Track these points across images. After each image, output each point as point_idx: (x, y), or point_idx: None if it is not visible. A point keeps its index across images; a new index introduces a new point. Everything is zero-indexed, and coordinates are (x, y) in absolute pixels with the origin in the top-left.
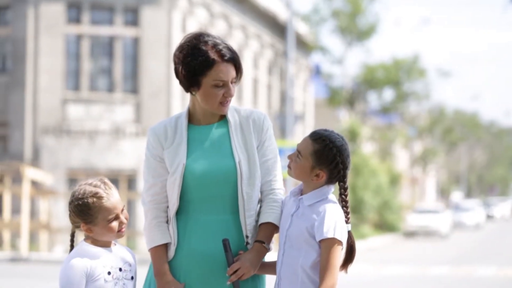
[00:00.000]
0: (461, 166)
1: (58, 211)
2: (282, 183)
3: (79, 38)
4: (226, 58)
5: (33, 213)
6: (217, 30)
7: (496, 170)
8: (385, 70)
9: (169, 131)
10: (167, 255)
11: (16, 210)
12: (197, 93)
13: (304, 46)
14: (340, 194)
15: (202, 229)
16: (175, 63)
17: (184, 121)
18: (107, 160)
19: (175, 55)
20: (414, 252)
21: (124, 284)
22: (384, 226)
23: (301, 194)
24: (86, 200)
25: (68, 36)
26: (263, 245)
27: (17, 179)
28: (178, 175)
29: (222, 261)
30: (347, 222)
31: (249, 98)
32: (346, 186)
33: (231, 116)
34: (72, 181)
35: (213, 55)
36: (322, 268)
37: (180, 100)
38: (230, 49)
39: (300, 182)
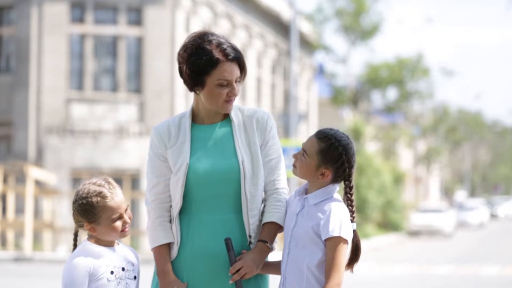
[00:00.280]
0: (465, 165)
1: (62, 211)
2: (286, 183)
3: (82, 37)
4: (230, 57)
5: (37, 213)
6: (220, 29)
7: (500, 169)
8: (389, 69)
9: (173, 130)
10: (170, 254)
11: (20, 209)
12: (201, 92)
13: (307, 45)
14: (345, 193)
15: (205, 228)
16: (179, 62)
17: (187, 120)
18: (111, 160)
19: (179, 54)
20: (418, 251)
21: (126, 283)
22: (388, 225)
23: (306, 193)
24: (90, 200)
25: (72, 35)
26: (266, 244)
27: (21, 178)
28: (182, 175)
29: (225, 261)
30: (352, 221)
31: (252, 98)
32: (351, 185)
33: (234, 115)
34: (76, 180)
35: (217, 54)
36: (327, 267)
37: (184, 99)
38: (234, 48)
39: (304, 181)
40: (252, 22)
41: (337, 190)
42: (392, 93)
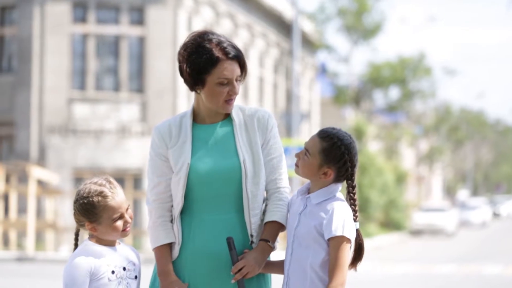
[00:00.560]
0: (467, 164)
1: (64, 211)
2: (288, 182)
3: (85, 37)
4: (230, 55)
5: (39, 213)
6: (222, 29)
7: (502, 168)
8: (391, 69)
9: (174, 130)
10: (171, 254)
11: (22, 209)
12: (202, 91)
13: (309, 44)
14: (348, 192)
15: (207, 228)
16: (180, 61)
17: (188, 120)
18: (113, 159)
19: (179, 53)
20: (420, 250)
21: (127, 283)
22: (390, 224)
23: (309, 193)
24: (91, 199)
25: (74, 35)
26: (268, 243)
27: (23, 178)
28: (183, 175)
29: (226, 260)
30: (355, 220)
31: (255, 97)
32: (354, 184)
33: (235, 114)
34: (78, 180)
35: (217, 52)
36: (331, 266)
37: (185, 99)
38: (234, 47)
39: (307, 181)
40: (254, 21)
41: (340, 189)
42: (394, 93)
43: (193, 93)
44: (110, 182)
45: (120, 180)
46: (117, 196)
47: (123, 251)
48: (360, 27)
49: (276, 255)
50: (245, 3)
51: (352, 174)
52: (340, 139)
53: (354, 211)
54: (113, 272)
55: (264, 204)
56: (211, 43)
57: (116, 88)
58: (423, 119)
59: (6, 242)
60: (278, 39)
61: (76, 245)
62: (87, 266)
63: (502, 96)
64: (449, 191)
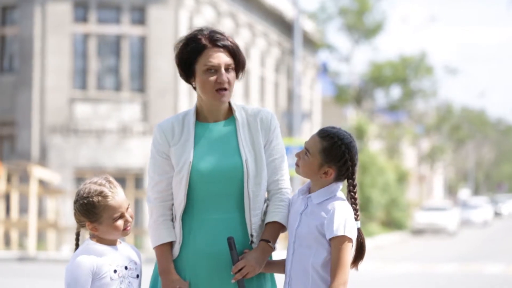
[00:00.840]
0: (468, 164)
1: (65, 210)
2: (289, 183)
3: (86, 37)
4: (217, 43)
5: (41, 212)
6: (224, 28)
7: (504, 167)
8: (392, 68)
9: (176, 128)
10: (172, 253)
11: (23, 209)
12: (195, 83)
13: (311, 44)
14: (349, 191)
15: (208, 227)
16: (175, 56)
17: (191, 118)
18: (114, 159)
19: (174, 46)
20: (422, 249)
21: (129, 282)
22: (392, 223)
23: (309, 192)
24: (91, 199)
25: (75, 35)
26: (269, 244)
27: (25, 178)
28: (185, 173)
29: (227, 260)
30: (356, 219)
31: (256, 96)
32: (354, 183)
33: (238, 114)
34: (79, 180)
35: (204, 41)
36: (333, 266)
37: (187, 98)
38: (226, 38)
39: (307, 180)
40: (255, 21)
41: (340, 189)
42: (395, 92)
43: (195, 93)
44: (110, 182)
45: (122, 180)
46: (117, 196)
47: (125, 250)
48: (361, 27)
49: (277, 255)
50: (246, 3)
51: (353, 173)
52: (340, 138)
53: (355, 210)
54: (115, 271)
55: (265, 205)
56: (201, 34)
57: (118, 87)
58: (424, 118)
59: (7, 242)
60: (279, 39)
61: (77, 245)
62: (90, 265)
63: (503, 95)
64: (451, 190)
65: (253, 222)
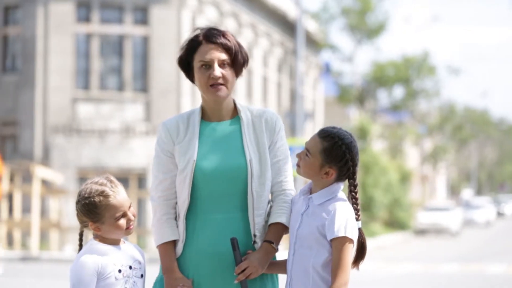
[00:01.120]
0: (471, 164)
1: (68, 210)
2: (293, 184)
3: (88, 37)
4: (212, 40)
5: (44, 212)
6: (227, 28)
7: (507, 167)
8: (395, 68)
9: (181, 126)
10: (175, 251)
11: (26, 209)
12: (195, 80)
13: (313, 44)
14: (350, 191)
15: (211, 227)
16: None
17: (197, 117)
18: (117, 159)
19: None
20: (425, 249)
21: (134, 282)
22: (395, 224)
23: (311, 193)
24: (92, 199)
25: (78, 35)
26: (272, 245)
27: (27, 178)
28: (189, 172)
29: (230, 260)
30: (357, 219)
31: (258, 96)
32: (355, 183)
33: (244, 114)
34: (82, 180)
35: (200, 38)
36: (334, 266)
37: (190, 98)
38: (222, 35)
39: (310, 181)
40: (258, 21)
41: (342, 189)
42: (398, 92)
43: (198, 92)
44: (111, 181)
45: (124, 180)
46: (119, 195)
47: (128, 249)
48: (364, 27)
49: (279, 255)
50: (249, 3)
51: (354, 173)
52: (341, 138)
53: (356, 210)
54: (120, 271)
55: (268, 206)
56: (200, 33)
57: (120, 87)
58: (427, 118)
59: (10, 242)
60: (282, 39)
61: (80, 246)
62: (94, 265)
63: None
64: (453, 190)
65: (256, 222)
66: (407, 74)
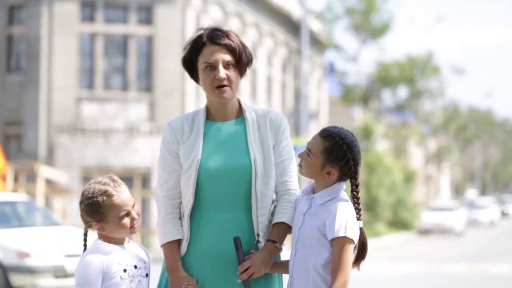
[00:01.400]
0: (475, 164)
1: (72, 210)
2: (297, 184)
3: (93, 36)
4: (216, 41)
5: None
6: (231, 28)
7: (511, 168)
8: (399, 68)
9: (186, 126)
10: (180, 251)
11: None
12: (199, 81)
13: (318, 44)
14: (352, 191)
15: (215, 226)
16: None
17: (201, 117)
18: (121, 159)
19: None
20: (429, 250)
21: (139, 281)
22: (399, 224)
23: (313, 193)
24: (96, 199)
25: (82, 34)
26: (275, 244)
27: (32, 177)
28: (193, 171)
29: (233, 259)
30: (358, 219)
31: (263, 96)
32: (357, 182)
33: (248, 114)
34: (86, 179)
35: (205, 39)
36: (334, 266)
37: (194, 98)
38: (226, 36)
39: (313, 180)
40: (262, 20)
41: (344, 188)
42: (402, 92)
43: (202, 92)
44: (114, 181)
45: (129, 179)
46: (122, 194)
47: (133, 249)
48: (368, 27)
49: (284, 255)
50: (254, 2)
51: (355, 173)
52: (342, 137)
53: (358, 209)
54: (125, 270)
55: (272, 205)
56: (204, 33)
57: (125, 87)
58: (431, 118)
59: None
60: (286, 38)
61: (85, 246)
62: (99, 265)
63: (510, 95)
64: (458, 190)
65: (260, 222)
66: (411, 74)
